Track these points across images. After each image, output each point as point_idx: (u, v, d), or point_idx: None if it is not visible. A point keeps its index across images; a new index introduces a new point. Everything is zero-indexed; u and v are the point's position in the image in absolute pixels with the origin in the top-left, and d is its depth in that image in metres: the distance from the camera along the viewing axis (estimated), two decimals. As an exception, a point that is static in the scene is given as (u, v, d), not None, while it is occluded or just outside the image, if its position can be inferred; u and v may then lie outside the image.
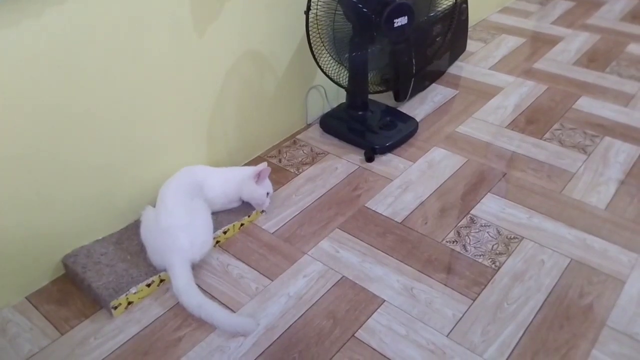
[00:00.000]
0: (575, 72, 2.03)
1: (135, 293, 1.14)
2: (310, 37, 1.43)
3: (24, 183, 1.09)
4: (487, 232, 1.33)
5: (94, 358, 1.05)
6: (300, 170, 1.56)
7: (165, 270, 1.16)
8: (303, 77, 1.67)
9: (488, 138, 1.67)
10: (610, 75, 2.00)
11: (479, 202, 1.42)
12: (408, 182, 1.50)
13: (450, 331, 1.09)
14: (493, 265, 1.24)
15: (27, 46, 0.99)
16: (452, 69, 2.07)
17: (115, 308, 1.12)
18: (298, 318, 1.13)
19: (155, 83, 1.24)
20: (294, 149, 1.65)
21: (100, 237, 1.27)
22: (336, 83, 1.57)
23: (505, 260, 1.25)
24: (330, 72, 1.54)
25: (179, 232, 1.15)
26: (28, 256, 1.16)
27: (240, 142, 1.55)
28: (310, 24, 1.40)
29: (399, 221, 1.37)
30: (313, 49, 1.45)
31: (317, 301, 1.16)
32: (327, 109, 1.79)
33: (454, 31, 1.97)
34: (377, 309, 1.14)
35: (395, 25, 1.41)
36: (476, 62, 2.12)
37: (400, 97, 1.85)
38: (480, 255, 1.26)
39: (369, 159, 1.58)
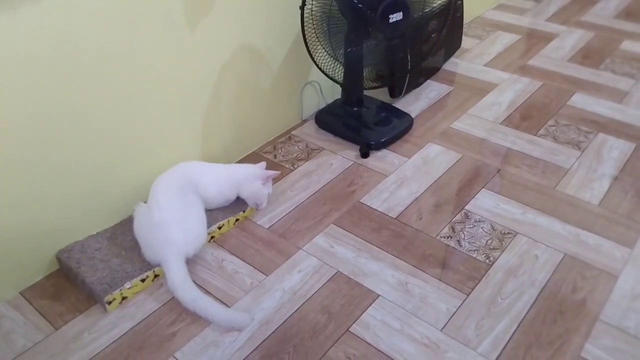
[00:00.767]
0: (569, 68, 2.04)
1: (129, 288, 1.14)
2: (306, 32, 1.42)
3: (18, 179, 1.09)
4: (482, 228, 1.33)
5: (88, 353, 1.05)
6: (296, 165, 1.56)
7: (159, 265, 1.16)
8: (298, 73, 1.67)
9: (483, 134, 1.68)
10: (604, 72, 2.01)
11: (474, 197, 1.43)
12: (403, 177, 1.50)
13: (445, 325, 1.10)
14: (487, 260, 1.24)
15: (18, 43, 0.99)
16: (447, 66, 2.07)
17: (110, 303, 1.12)
18: (293, 313, 1.13)
19: (148, 79, 1.24)
20: (289, 145, 1.65)
21: (94, 233, 1.27)
22: (331, 79, 1.57)
23: (499, 256, 1.25)
24: (325, 68, 1.54)
25: (172, 227, 1.15)
26: (22, 251, 1.16)
27: (235, 137, 1.55)
28: (305, 20, 1.40)
29: (394, 217, 1.37)
30: (308, 45, 1.45)
31: (311, 296, 1.16)
32: (323, 105, 1.79)
33: (449, 28, 1.97)
34: (371, 304, 1.14)
35: (391, 20, 1.41)
36: (471, 59, 2.13)
37: (395, 93, 1.85)
38: (474, 251, 1.27)
39: (364, 154, 1.59)
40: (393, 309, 1.13)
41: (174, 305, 1.14)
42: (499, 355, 1.04)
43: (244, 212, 1.36)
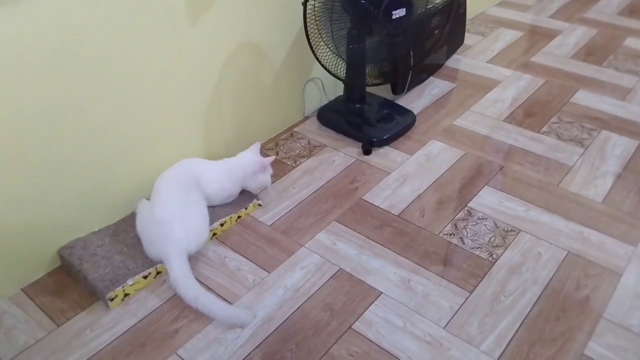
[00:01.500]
0: (572, 65, 2.03)
1: (131, 285, 1.14)
2: (308, 29, 1.42)
3: (20, 176, 1.08)
4: (484, 225, 1.33)
5: (90, 350, 1.05)
6: (298, 162, 1.55)
7: (161, 262, 1.16)
8: (301, 70, 1.66)
9: (485, 131, 1.67)
10: (607, 69, 2.00)
11: (476, 195, 1.42)
12: (405, 175, 1.50)
13: (447, 323, 1.09)
14: (490, 258, 1.24)
15: (18, 39, 0.98)
16: (450, 62, 2.07)
17: (112, 300, 1.12)
18: (295, 310, 1.12)
19: (150, 75, 1.23)
20: (291, 142, 1.64)
21: (96, 229, 1.27)
22: (334, 75, 1.56)
23: (503, 253, 1.25)
24: (328, 64, 1.53)
25: (174, 224, 1.14)
26: (24, 248, 1.16)
27: (237, 134, 1.54)
28: (308, 16, 1.40)
29: (396, 214, 1.37)
30: (311, 41, 1.44)
31: (314, 293, 1.16)
32: (325, 102, 1.78)
33: (452, 24, 1.96)
34: (374, 301, 1.14)
35: (394, 17, 1.40)
36: (474, 56, 2.12)
37: (397, 90, 1.85)
38: (477, 248, 1.26)
39: (366, 151, 1.58)
40: (395, 307, 1.13)
41: (177, 302, 1.14)
42: (502, 353, 1.03)
43: (246, 208, 1.35)
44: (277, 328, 1.09)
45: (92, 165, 1.20)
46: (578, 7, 2.53)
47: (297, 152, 1.60)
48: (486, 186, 1.45)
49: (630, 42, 2.20)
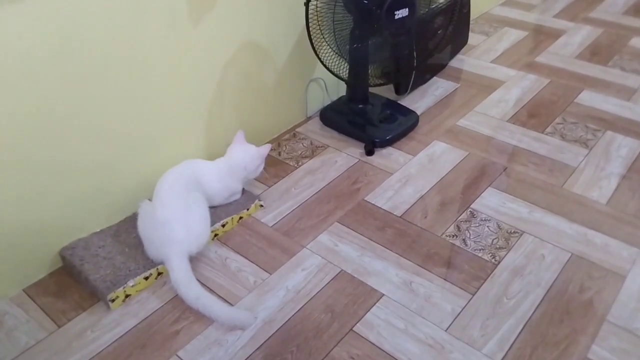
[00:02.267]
0: (577, 65, 2.02)
1: (132, 286, 1.14)
2: (310, 29, 1.41)
3: (21, 176, 1.08)
4: (487, 227, 1.32)
5: (91, 351, 1.05)
6: (300, 163, 1.55)
7: (162, 263, 1.16)
8: (303, 70, 1.66)
9: (489, 132, 1.66)
10: (612, 69, 1.99)
11: (480, 196, 1.41)
12: (408, 175, 1.49)
13: (449, 325, 1.09)
14: (493, 260, 1.23)
15: (21, 38, 0.98)
16: (454, 62, 2.06)
17: (113, 301, 1.12)
18: (296, 312, 1.12)
19: (152, 75, 1.23)
20: (293, 142, 1.64)
21: (98, 230, 1.27)
22: (336, 76, 1.56)
23: (506, 255, 1.24)
24: (330, 64, 1.53)
25: (175, 224, 1.14)
26: (25, 249, 1.16)
27: (239, 134, 1.54)
28: (310, 16, 1.39)
29: (399, 215, 1.36)
30: (313, 41, 1.44)
31: (315, 295, 1.15)
32: (327, 102, 1.78)
33: (455, 24, 1.95)
34: (375, 303, 1.13)
35: (396, 17, 1.39)
36: (478, 55, 2.11)
37: (401, 90, 1.84)
38: (480, 250, 1.25)
39: (369, 152, 1.57)
40: (397, 309, 1.12)
41: (177, 303, 1.14)
42: (504, 356, 1.03)
43: (247, 209, 1.35)
44: (278, 330, 1.08)
45: (94, 166, 1.20)
46: (583, 7, 2.51)
47: (300, 152, 1.59)
48: (489, 187, 1.44)
49: (636, 41, 2.18)
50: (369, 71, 1.60)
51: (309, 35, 1.42)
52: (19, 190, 1.09)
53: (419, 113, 1.73)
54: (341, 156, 1.57)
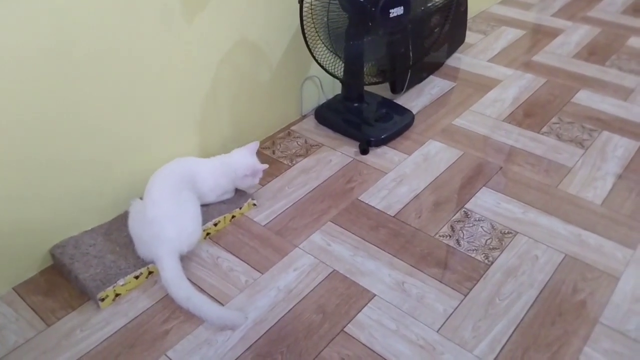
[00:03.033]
0: (575, 65, 2.01)
1: (123, 285, 1.13)
2: (305, 27, 1.40)
3: (12, 174, 1.07)
4: (481, 227, 1.31)
5: (80, 350, 1.04)
6: (294, 162, 1.54)
7: (152, 262, 1.15)
8: (298, 68, 1.65)
9: (485, 131, 1.65)
10: (610, 68, 1.98)
11: (474, 196, 1.41)
12: (402, 175, 1.48)
13: (441, 326, 1.08)
14: (486, 260, 1.22)
15: (12, 36, 0.97)
16: (451, 61, 2.05)
17: (103, 300, 1.11)
18: (287, 312, 1.11)
19: (144, 73, 1.22)
20: (288, 141, 1.63)
21: (89, 228, 1.26)
22: (331, 74, 1.55)
23: (499, 255, 1.23)
24: (325, 63, 1.52)
25: (166, 223, 1.13)
26: (16, 247, 1.15)
27: (233, 132, 1.53)
28: (304, 14, 1.38)
29: (392, 215, 1.35)
30: (307, 40, 1.43)
31: (307, 295, 1.15)
32: (323, 100, 1.77)
33: (452, 22, 1.94)
34: (367, 304, 1.13)
35: (391, 15, 1.38)
36: (475, 54, 2.10)
37: (397, 89, 1.83)
38: (473, 250, 1.25)
39: (364, 151, 1.57)
40: (389, 309, 1.11)
41: (168, 302, 1.13)
42: (495, 358, 1.02)
43: (240, 208, 1.34)
44: (268, 330, 1.08)
45: (86, 164, 1.20)
46: (581, 6, 2.50)
47: (294, 151, 1.58)
48: (484, 187, 1.43)
49: (634, 41, 2.17)
50: (365, 69, 1.59)
51: (304, 34, 1.41)
52: (9, 188, 1.08)
53: (414, 112, 1.72)
54: (336, 155, 1.56)
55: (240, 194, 1.38)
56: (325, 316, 1.10)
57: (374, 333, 1.07)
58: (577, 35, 2.23)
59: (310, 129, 1.68)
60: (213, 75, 1.39)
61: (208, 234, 1.28)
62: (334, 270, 1.20)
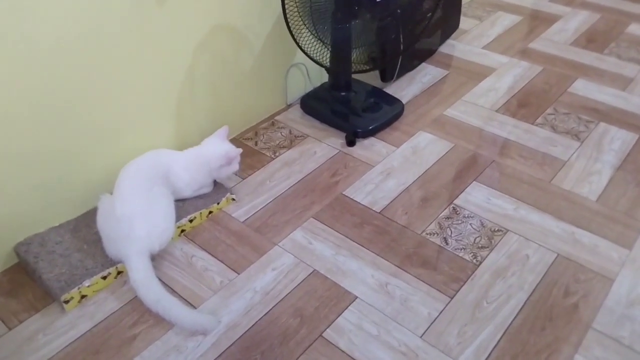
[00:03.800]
0: (572, 52, 1.93)
1: (89, 286, 1.07)
2: (287, 12, 1.32)
3: (-33, 167, 1.01)
4: (470, 224, 1.25)
5: (41, 356, 0.98)
6: (277, 154, 1.47)
7: (121, 261, 1.08)
8: (283, 54, 1.57)
9: (477, 122, 1.58)
10: (609, 57, 1.90)
11: (464, 191, 1.34)
12: (390, 168, 1.42)
13: (425, 332, 1.02)
14: (474, 260, 1.16)
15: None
16: (444, 48, 1.97)
17: (67, 302, 1.05)
18: (263, 315, 1.05)
19: (116, 58, 1.15)
20: (271, 131, 1.56)
21: (56, 224, 1.19)
22: (317, 62, 1.47)
23: (488, 255, 1.17)
24: (310, 50, 1.44)
25: (135, 221, 1.07)
26: (-24, 244, 1.09)
27: (212, 123, 1.45)
28: (286, -3, 1.30)
29: (378, 211, 1.29)
30: (290, 26, 1.35)
31: (284, 297, 1.09)
32: (309, 89, 1.69)
33: (446, 7, 1.86)
34: (348, 306, 1.07)
35: (378, -1, 1.30)
36: (469, 41, 2.02)
37: (386, 77, 1.75)
38: (461, 249, 1.19)
39: (350, 143, 1.50)
40: (371, 313, 1.06)
41: (137, 304, 1.07)
42: (481, 366, 0.97)
43: (218, 203, 1.28)
44: (242, 335, 1.02)
45: (54, 156, 1.12)
46: (581, -9, 2.41)
47: (277, 142, 1.51)
48: (474, 182, 1.37)
49: (634, 28, 2.09)
50: (353, 57, 1.51)
51: (286, 19, 1.33)
52: (-34, 183, 1.02)
53: (404, 101, 1.65)
54: (321, 147, 1.49)
55: (218, 188, 1.31)
56: (303, 320, 1.04)
57: (353, 339, 1.01)
58: (576, 21, 2.15)
59: (296, 119, 1.61)
60: (190, 61, 1.31)
61: (183, 230, 1.22)
62: (315, 270, 1.14)
